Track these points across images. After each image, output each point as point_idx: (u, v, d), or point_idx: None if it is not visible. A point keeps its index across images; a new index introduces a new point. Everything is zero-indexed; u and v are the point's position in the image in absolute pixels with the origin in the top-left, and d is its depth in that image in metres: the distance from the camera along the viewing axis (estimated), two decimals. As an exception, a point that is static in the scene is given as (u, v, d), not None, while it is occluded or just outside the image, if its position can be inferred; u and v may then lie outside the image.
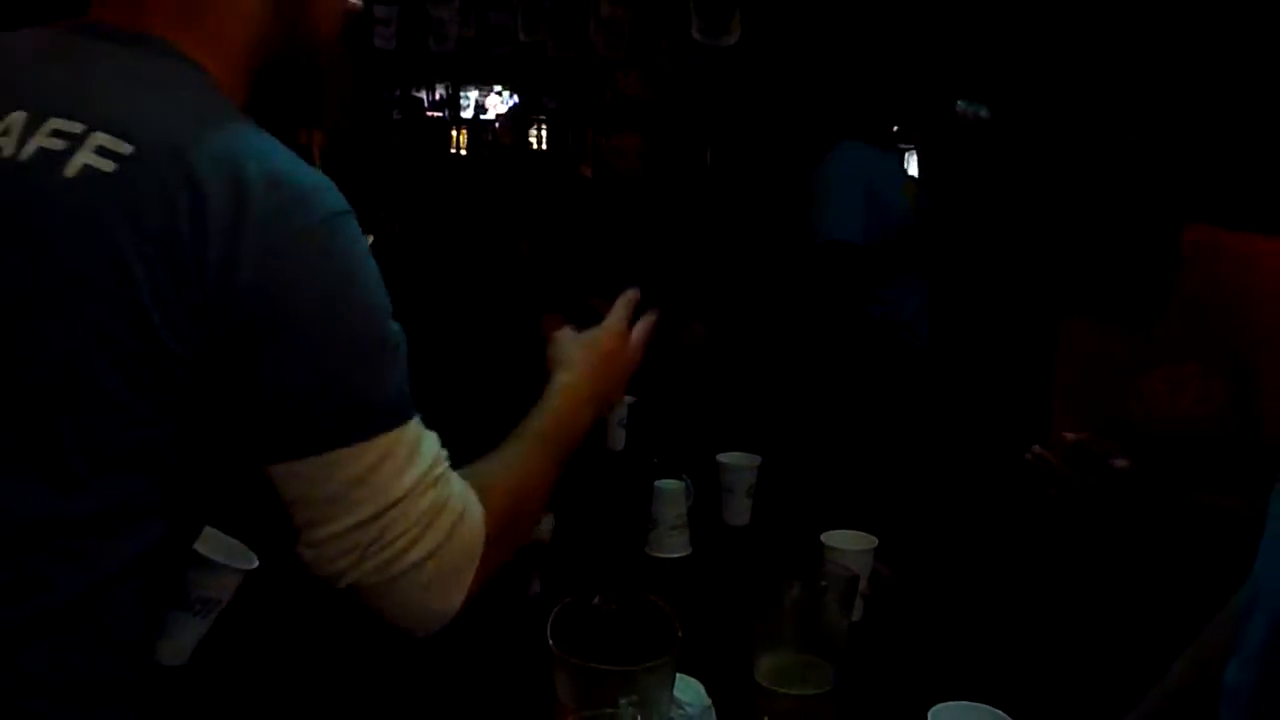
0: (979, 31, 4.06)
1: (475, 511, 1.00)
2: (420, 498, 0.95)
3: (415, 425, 0.96)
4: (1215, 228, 1.55)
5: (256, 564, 1.24)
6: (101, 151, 0.84)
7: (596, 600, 1.19)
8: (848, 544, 1.65)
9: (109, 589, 0.89)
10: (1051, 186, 1.57)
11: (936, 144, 3.39)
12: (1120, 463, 1.49)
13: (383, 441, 0.92)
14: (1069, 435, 1.53)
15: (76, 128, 0.86)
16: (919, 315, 3.23)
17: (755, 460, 2.07)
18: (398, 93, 8.73)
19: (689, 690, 1.27)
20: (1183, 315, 1.54)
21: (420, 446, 0.96)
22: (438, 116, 9.63)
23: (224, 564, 1.19)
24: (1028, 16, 3.85)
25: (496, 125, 8.60)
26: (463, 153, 9.70)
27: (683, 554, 1.92)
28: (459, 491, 0.99)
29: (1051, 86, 3.68)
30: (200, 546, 1.15)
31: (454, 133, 9.99)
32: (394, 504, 0.93)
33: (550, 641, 1.10)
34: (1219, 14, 3.22)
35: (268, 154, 0.89)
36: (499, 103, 10.69)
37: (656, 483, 1.92)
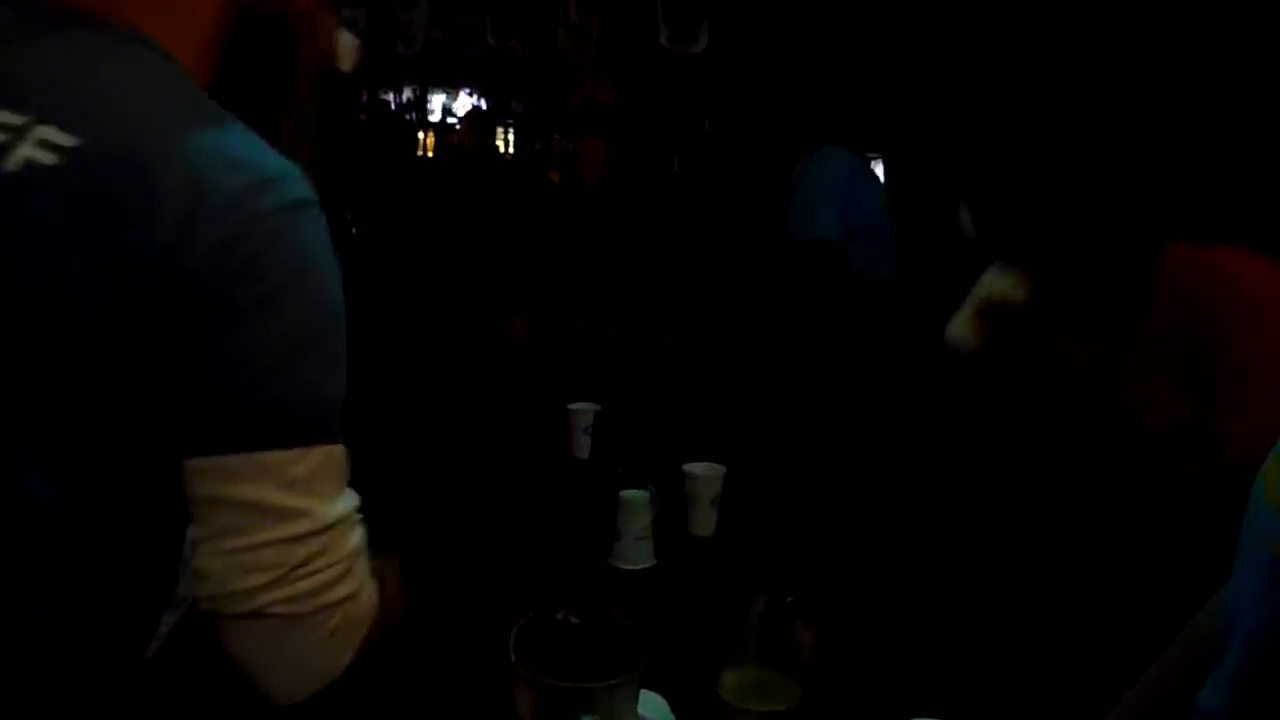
0: (952, 40, 4.08)
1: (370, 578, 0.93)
2: (350, 532, 0.89)
3: (344, 451, 0.90)
4: (1194, 246, 1.56)
5: None
6: (44, 145, 0.81)
7: (559, 615, 1.17)
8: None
9: (95, 592, 0.86)
10: (1032, 197, 1.57)
11: (905, 152, 3.40)
12: None
13: (319, 453, 0.86)
14: None
15: (18, 120, 0.82)
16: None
17: (720, 470, 2.05)
18: (364, 96, 8.68)
19: (652, 706, 1.25)
20: (1157, 332, 1.55)
21: (347, 475, 0.90)
22: (405, 119, 9.58)
23: None
24: (1001, 27, 3.87)
25: (458, 127, 8.53)
26: (429, 155, 9.66)
27: (647, 565, 1.90)
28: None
29: (1028, 98, 3.70)
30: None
31: (421, 135, 9.95)
32: (330, 527, 0.86)
33: (512, 657, 1.08)
34: (1199, 29, 3.24)
35: (230, 138, 0.85)
36: (466, 106, 10.65)
37: (621, 493, 1.90)
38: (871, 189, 3.22)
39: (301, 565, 0.85)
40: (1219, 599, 1.18)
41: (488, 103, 10.17)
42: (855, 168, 3.20)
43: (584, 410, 2.50)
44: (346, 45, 1.18)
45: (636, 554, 1.89)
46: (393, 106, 9.39)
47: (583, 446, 2.47)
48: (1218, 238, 1.56)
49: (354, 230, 6.08)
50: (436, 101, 10.50)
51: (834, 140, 3.21)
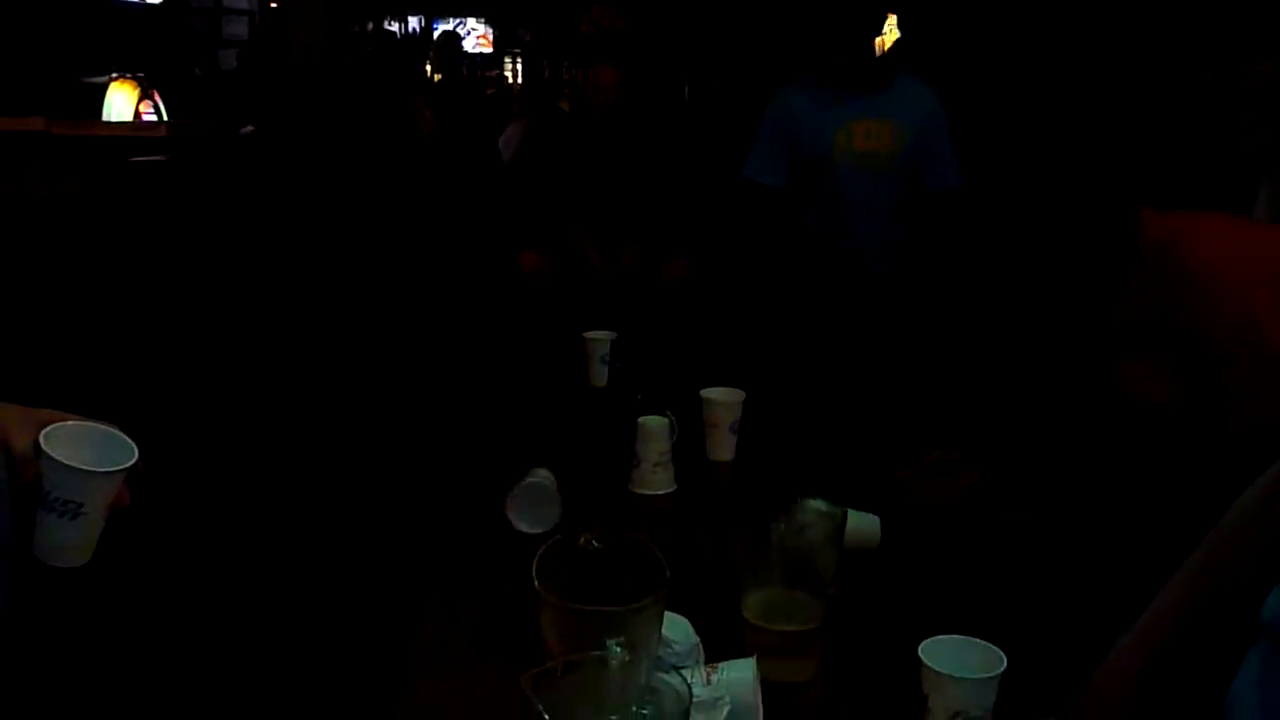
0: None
1: None
2: None
3: None
4: (1167, 217, 1.55)
5: (129, 465, 1.12)
6: None
7: (581, 540, 1.17)
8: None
9: None
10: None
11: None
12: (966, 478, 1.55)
13: None
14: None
15: None
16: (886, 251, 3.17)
17: (739, 395, 2.05)
18: (370, 26, 8.56)
19: (676, 628, 1.26)
20: (1141, 308, 1.55)
21: None
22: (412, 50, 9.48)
23: (66, 465, 1.08)
24: None
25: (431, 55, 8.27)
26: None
27: (667, 491, 1.91)
28: None
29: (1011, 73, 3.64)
30: (47, 443, 1.07)
31: (427, 68, 9.83)
32: None
33: (535, 583, 1.08)
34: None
35: None
36: (476, 34, 10.52)
37: (640, 419, 1.90)
38: (825, 125, 3.08)
39: None
40: (1259, 494, 1.18)
41: (495, 31, 10.05)
42: (814, 102, 3.10)
43: (600, 339, 2.49)
44: None
45: (656, 480, 1.90)
46: (398, 38, 9.27)
47: (600, 375, 2.46)
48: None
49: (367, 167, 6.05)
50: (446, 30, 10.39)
51: (823, 70, 3.12)
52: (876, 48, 3.40)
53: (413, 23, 9.71)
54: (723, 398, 2.04)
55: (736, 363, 2.31)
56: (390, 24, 9.17)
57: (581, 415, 2.25)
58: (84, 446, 1.11)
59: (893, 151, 3.10)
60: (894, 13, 4.41)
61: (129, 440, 1.14)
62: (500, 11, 9.50)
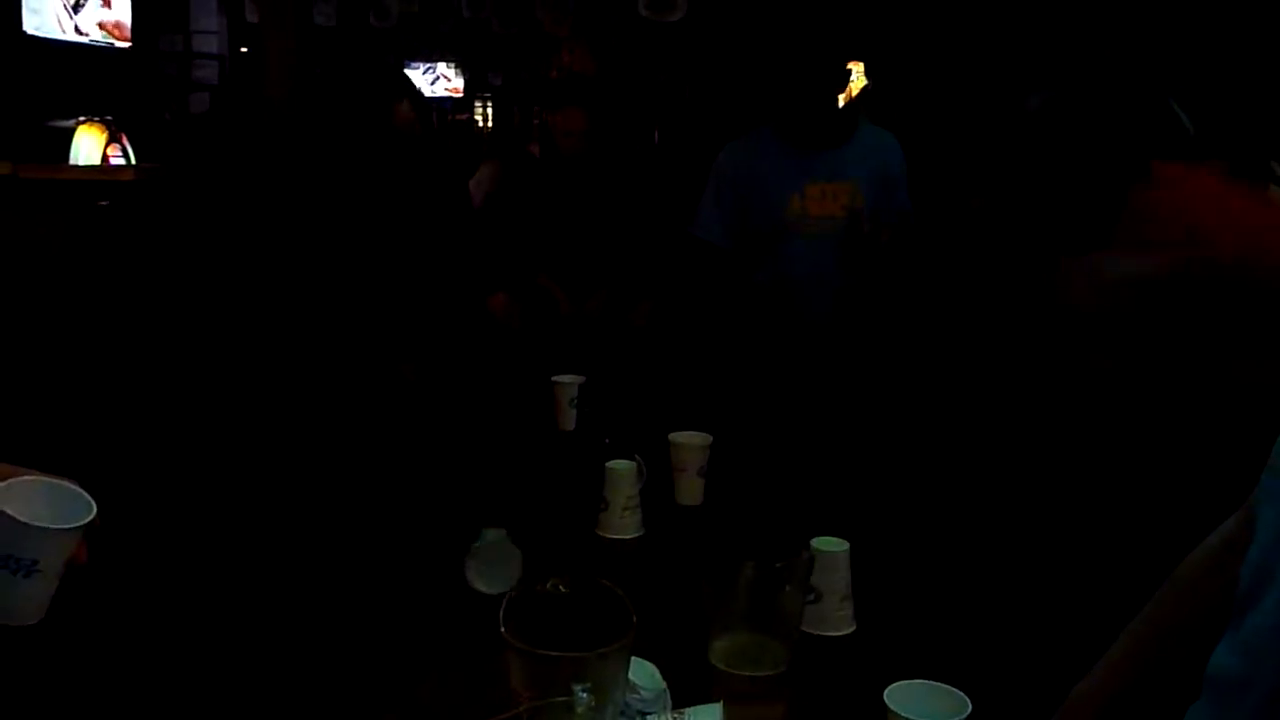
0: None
1: None
2: None
3: None
4: (1148, 186, 1.58)
5: (86, 521, 1.09)
6: None
7: (549, 584, 1.17)
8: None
9: None
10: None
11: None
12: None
13: None
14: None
15: None
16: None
17: (707, 439, 2.06)
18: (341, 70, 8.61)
19: (644, 674, 1.26)
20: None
21: None
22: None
23: (20, 522, 1.04)
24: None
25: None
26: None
27: (635, 535, 1.91)
28: None
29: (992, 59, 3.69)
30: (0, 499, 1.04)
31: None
32: None
33: (503, 628, 1.08)
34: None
35: None
36: (446, 80, 10.57)
37: (608, 463, 1.90)
38: (784, 183, 2.92)
39: None
40: (1211, 550, 1.19)
41: (465, 76, 10.10)
42: (769, 158, 2.95)
43: (568, 383, 2.50)
44: None
45: (624, 524, 1.90)
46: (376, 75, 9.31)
47: (569, 418, 2.47)
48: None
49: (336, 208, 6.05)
50: (415, 77, 10.43)
51: (781, 124, 2.99)
52: (841, 99, 3.32)
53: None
54: (690, 441, 2.05)
55: (704, 406, 2.33)
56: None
57: (549, 459, 2.25)
58: (40, 503, 1.08)
59: (851, 211, 2.94)
60: (861, 60, 4.48)
61: (87, 496, 1.11)
62: (471, 56, 9.54)
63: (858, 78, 4.35)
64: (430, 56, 9.83)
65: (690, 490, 2.06)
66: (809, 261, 2.91)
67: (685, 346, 3.18)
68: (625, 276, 3.57)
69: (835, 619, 1.57)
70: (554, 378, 2.52)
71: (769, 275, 2.96)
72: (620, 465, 1.90)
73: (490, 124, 10.29)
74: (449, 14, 6.45)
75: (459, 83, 10.24)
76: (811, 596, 1.52)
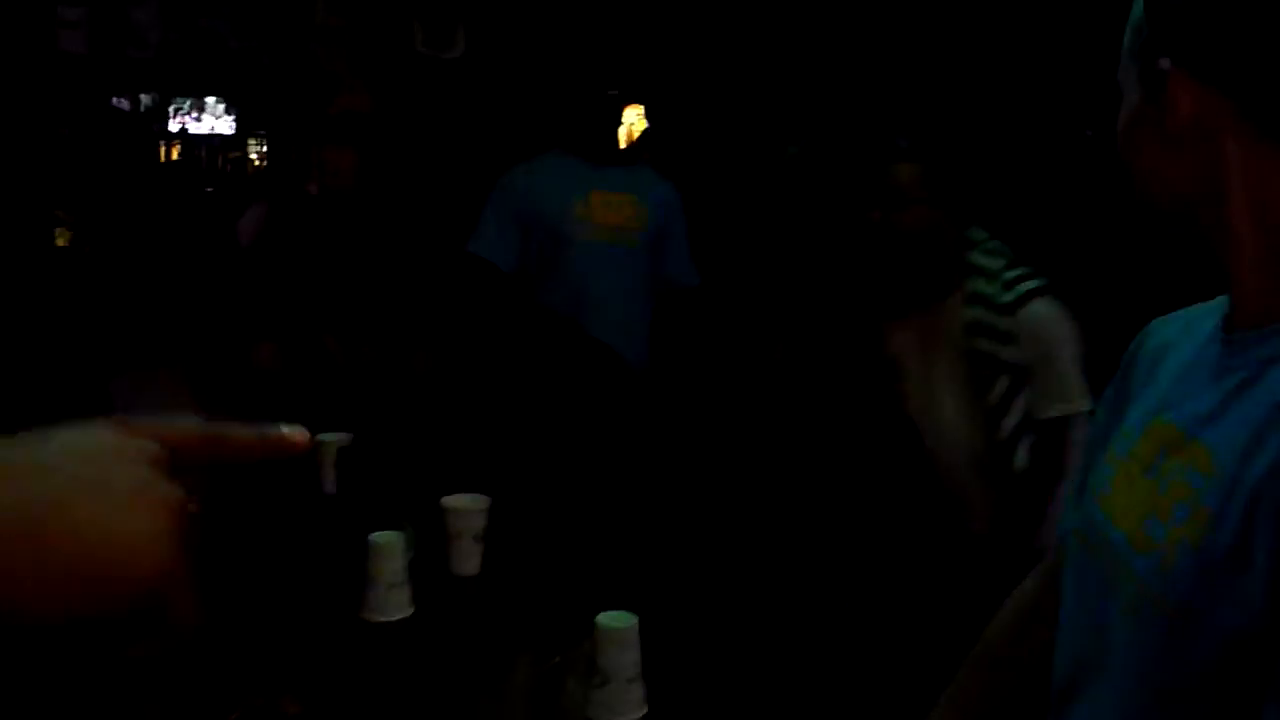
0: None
1: None
2: None
3: None
4: None
5: None
6: None
7: (280, 702, 0.98)
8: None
9: None
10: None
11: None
12: None
13: None
14: None
15: None
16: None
17: (484, 502, 1.88)
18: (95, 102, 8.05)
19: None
20: None
21: None
22: (143, 127, 8.96)
23: None
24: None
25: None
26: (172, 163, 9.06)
27: (404, 615, 1.70)
28: None
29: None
30: None
31: (163, 147, 9.31)
32: None
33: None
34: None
35: None
36: (214, 117, 10.04)
37: (370, 536, 1.70)
38: (567, 199, 2.92)
39: None
40: (1014, 619, 1.10)
41: (236, 113, 9.62)
42: (550, 176, 2.94)
43: (331, 442, 2.27)
44: None
45: (391, 603, 1.69)
46: (128, 115, 8.74)
47: (328, 480, 2.24)
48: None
49: (85, 248, 5.63)
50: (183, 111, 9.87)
51: (569, 143, 2.99)
52: (622, 137, 3.31)
53: (145, 100, 9.19)
54: (465, 505, 1.87)
55: (483, 465, 2.15)
56: (120, 101, 8.64)
57: (305, 529, 2.01)
58: None
59: (636, 228, 2.95)
60: (640, 104, 4.44)
61: None
62: (243, 92, 9.11)
63: (638, 120, 4.31)
64: (197, 91, 9.33)
65: (466, 559, 1.87)
66: (599, 274, 2.88)
67: (466, 398, 2.98)
68: (403, 321, 3.36)
69: (624, 703, 1.41)
70: (317, 436, 2.29)
71: (557, 296, 2.88)
72: (384, 538, 1.70)
73: (264, 163, 9.85)
74: (215, 45, 6.10)
75: (229, 120, 9.76)
76: (597, 680, 1.37)
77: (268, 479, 2.23)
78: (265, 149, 10.23)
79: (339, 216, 3.44)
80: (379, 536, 1.69)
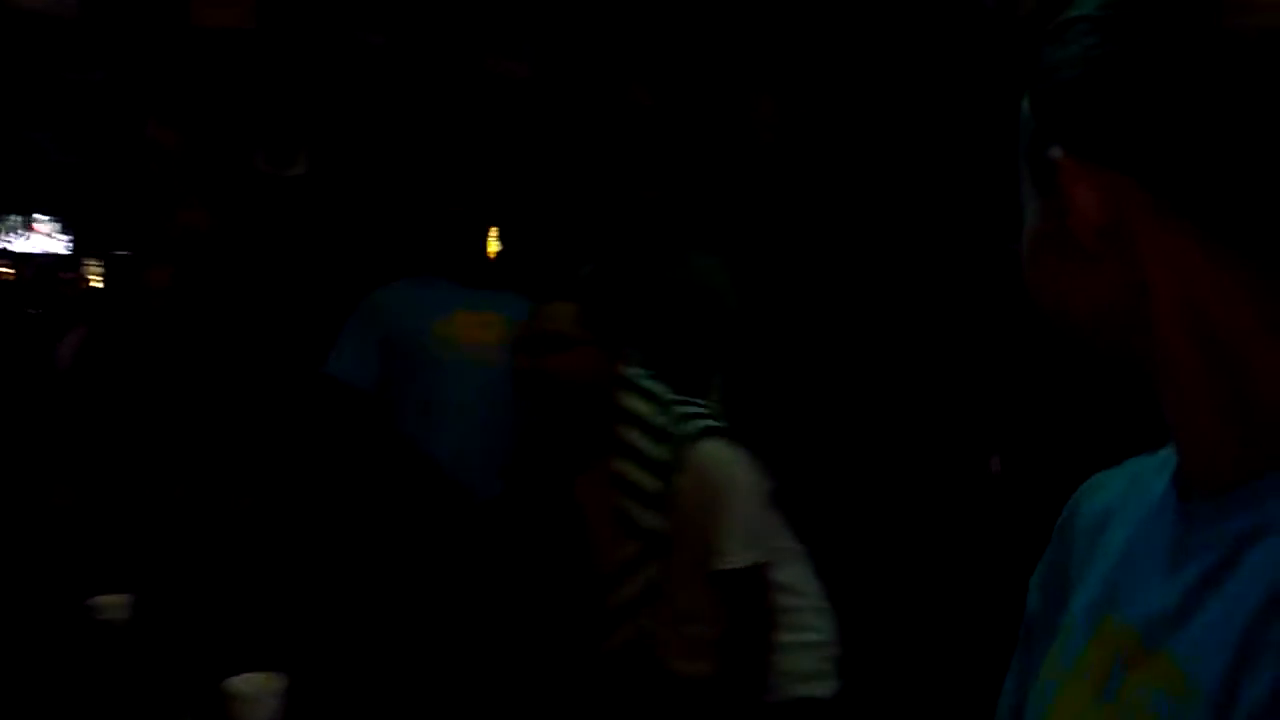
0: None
1: None
2: None
3: None
4: None
5: None
6: None
7: None
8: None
9: None
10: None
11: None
12: None
13: None
14: None
15: None
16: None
17: (277, 684, 1.56)
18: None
19: None
20: None
21: None
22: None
23: None
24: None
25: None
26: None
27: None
28: None
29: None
30: None
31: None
32: None
33: None
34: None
35: None
36: (47, 236, 9.54)
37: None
38: (423, 324, 2.78)
39: None
40: None
41: (71, 231, 9.15)
42: (414, 299, 2.79)
43: (112, 605, 1.92)
44: None
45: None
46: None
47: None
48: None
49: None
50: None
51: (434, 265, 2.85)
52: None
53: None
54: (255, 689, 1.55)
55: (292, 633, 1.83)
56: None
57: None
58: None
59: (503, 347, 2.77)
60: (496, 226, 4.27)
61: None
62: (76, 210, 8.69)
63: (492, 242, 4.15)
64: (25, 209, 8.85)
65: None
66: (458, 398, 2.72)
67: (283, 547, 2.64)
68: (222, 457, 3.04)
69: None
70: (91, 600, 1.93)
71: (414, 421, 2.70)
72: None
73: (102, 285, 9.39)
74: (36, 158, 5.74)
75: (63, 239, 9.29)
76: None
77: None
78: (103, 269, 9.76)
79: (156, 339, 3.16)
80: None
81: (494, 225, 4.25)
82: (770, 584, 1.90)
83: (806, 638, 1.97)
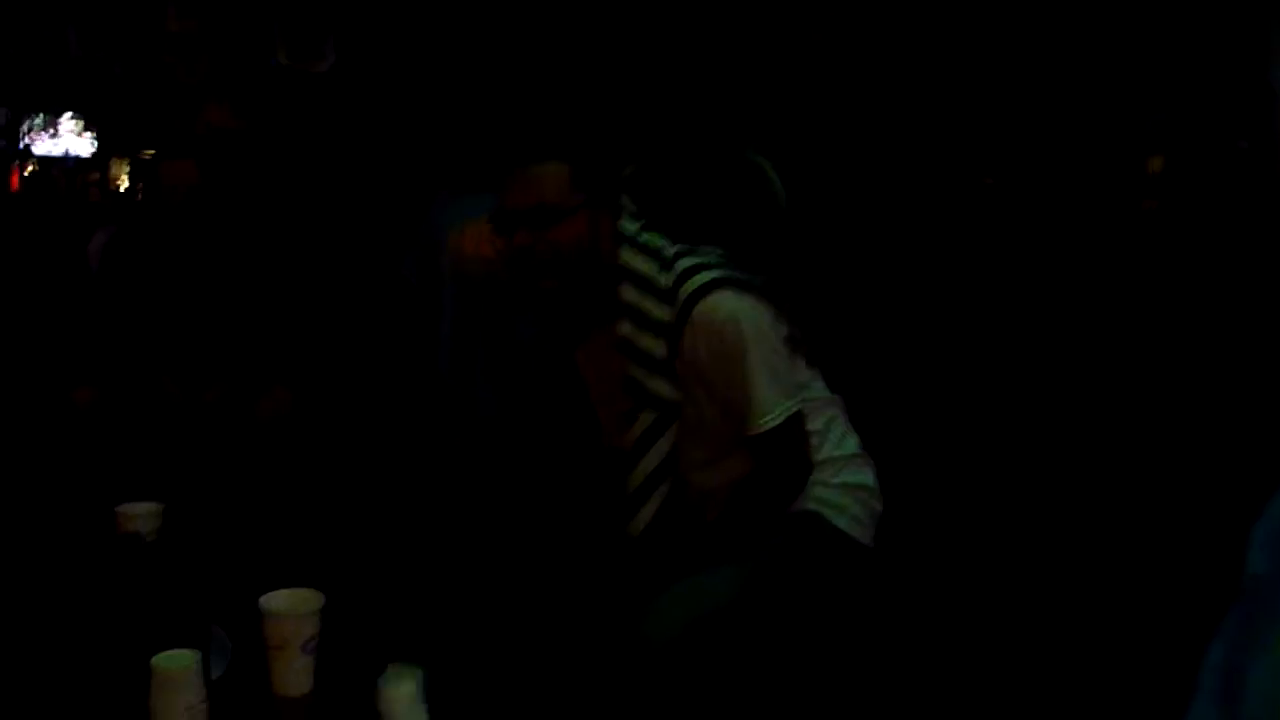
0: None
1: None
2: None
3: None
4: None
5: None
6: None
7: None
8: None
9: None
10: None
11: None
12: None
13: None
14: None
15: None
16: None
17: (315, 601, 1.47)
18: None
19: None
20: None
21: None
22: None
23: None
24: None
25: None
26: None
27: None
28: None
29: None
30: None
31: (18, 166, 8.68)
32: None
33: None
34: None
35: None
36: (74, 136, 9.40)
37: (154, 658, 1.28)
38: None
39: None
40: None
41: (95, 131, 9.00)
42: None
43: (140, 514, 1.84)
44: None
45: (183, 748, 1.28)
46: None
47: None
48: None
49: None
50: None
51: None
52: None
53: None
54: (290, 607, 1.46)
55: (322, 550, 1.74)
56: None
57: (89, 645, 1.56)
58: None
59: None
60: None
61: None
62: (102, 109, 8.53)
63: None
64: (53, 106, 8.71)
65: (292, 676, 1.46)
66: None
67: (316, 457, 2.53)
68: (254, 360, 2.95)
69: None
70: (119, 508, 1.85)
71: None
72: (173, 660, 1.29)
73: (128, 185, 9.28)
74: (56, 52, 5.57)
75: (88, 139, 9.16)
76: None
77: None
78: (129, 171, 9.65)
79: (181, 239, 3.05)
80: (165, 658, 1.28)
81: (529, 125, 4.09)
82: (805, 434, 1.79)
83: (845, 479, 1.87)
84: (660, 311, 1.76)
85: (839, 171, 3.19)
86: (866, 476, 1.91)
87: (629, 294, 1.78)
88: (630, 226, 1.82)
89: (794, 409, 1.76)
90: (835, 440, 1.88)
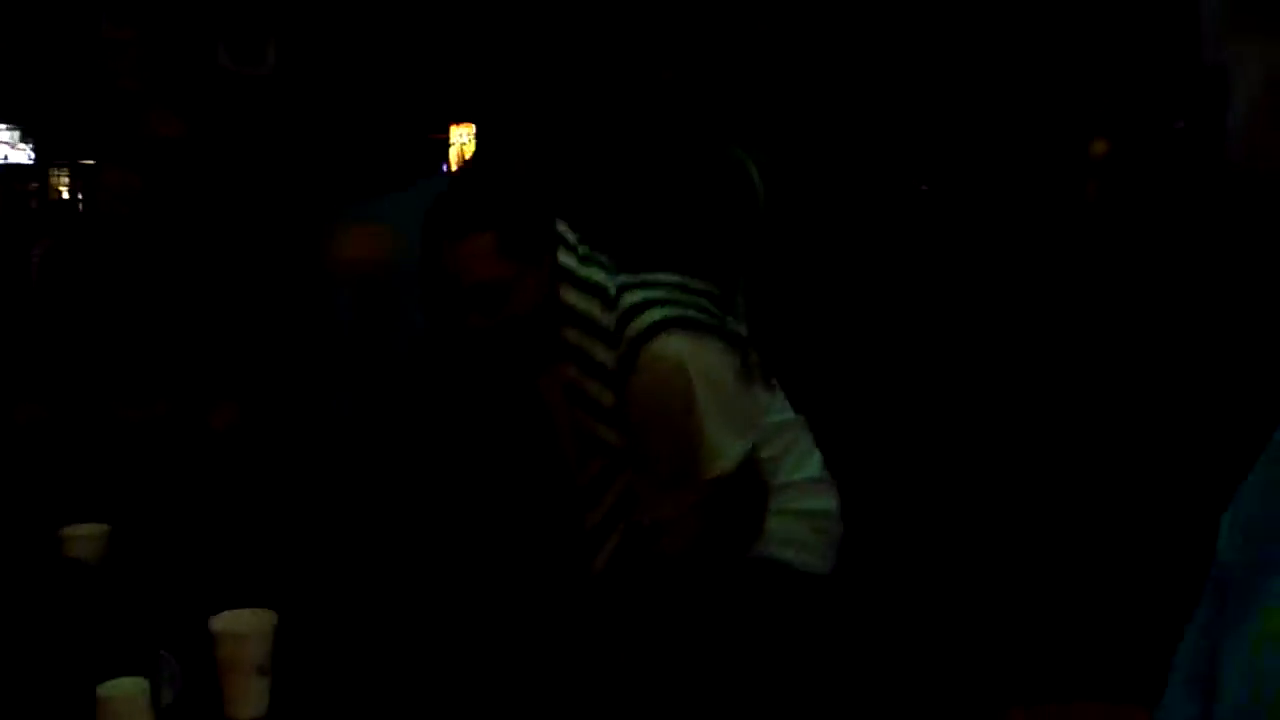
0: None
1: None
2: None
3: None
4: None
5: None
6: None
7: None
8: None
9: None
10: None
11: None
12: None
13: None
14: None
15: None
16: None
17: (268, 620, 1.43)
18: None
19: None
20: None
21: None
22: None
23: None
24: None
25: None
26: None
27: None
28: None
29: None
30: None
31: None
32: None
33: None
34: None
35: None
36: (9, 146, 9.21)
37: (99, 687, 1.24)
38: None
39: None
40: None
41: (33, 140, 8.83)
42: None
43: (85, 536, 1.78)
44: None
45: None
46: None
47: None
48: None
49: None
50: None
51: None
52: (454, 158, 3.01)
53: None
54: (243, 627, 1.41)
55: (278, 567, 1.69)
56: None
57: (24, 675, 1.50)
58: None
59: None
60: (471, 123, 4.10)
61: None
62: (35, 118, 8.36)
63: (469, 140, 3.97)
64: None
65: (245, 698, 1.41)
66: None
67: (270, 470, 2.47)
68: (201, 373, 2.88)
69: None
70: (62, 531, 1.79)
71: None
72: (120, 688, 1.24)
73: (69, 195, 9.11)
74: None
75: (25, 148, 8.98)
76: None
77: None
78: (68, 180, 9.46)
79: (124, 249, 2.98)
80: (111, 687, 1.23)
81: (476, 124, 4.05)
82: (758, 462, 1.74)
83: (800, 505, 1.82)
84: (605, 355, 1.70)
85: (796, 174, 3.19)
86: (825, 501, 1.87)
87: (572, 335, 1.72)
88: (569, 260, 1.74)
89: (749, 446, 1.72)
90: (792, 464, 1.84)
